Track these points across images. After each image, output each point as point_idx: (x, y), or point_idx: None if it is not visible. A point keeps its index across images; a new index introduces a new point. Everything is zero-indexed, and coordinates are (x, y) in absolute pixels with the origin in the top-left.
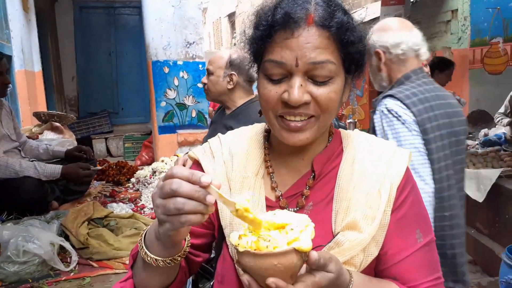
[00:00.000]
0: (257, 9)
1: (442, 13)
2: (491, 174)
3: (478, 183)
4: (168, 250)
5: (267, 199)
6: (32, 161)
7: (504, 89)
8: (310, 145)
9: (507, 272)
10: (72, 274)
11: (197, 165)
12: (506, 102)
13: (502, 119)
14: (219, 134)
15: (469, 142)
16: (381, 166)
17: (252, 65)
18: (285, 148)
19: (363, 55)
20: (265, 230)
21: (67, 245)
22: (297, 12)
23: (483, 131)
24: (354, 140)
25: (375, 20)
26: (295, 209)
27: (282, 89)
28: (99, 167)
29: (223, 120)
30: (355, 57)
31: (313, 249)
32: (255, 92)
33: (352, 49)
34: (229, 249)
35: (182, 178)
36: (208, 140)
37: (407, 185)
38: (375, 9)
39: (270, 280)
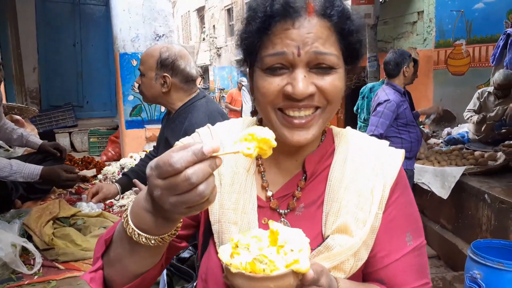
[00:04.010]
0: (250, 1)
1: (409, 14)
2: (455, 172)
3: (442, 180)
4: (168, 228)
5: (258, 198)
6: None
7: (466, 90)
8: (307, 146)
9: (472, 267)
10: (36, 277)
11: None
12: (475, 99)
13: (471, 116)
14: (208, 125)
15: (434, 140)
16: (374, 166)
17: (246, 62)
18: (278, 146)
19: (362, 45)
20: (259, 241)
21: (30, 246)
22: (297, 1)
23: (447, 129)
24: (346, 138)
25: None
26: (285, 211)
27: (284, 82)
28: (89, 173)
29: (164, 127)
30: (355, 47)
31: None
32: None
33: (352, 39)
34: (216, 247)
35: (190, 165)
36: (197, 130)
37: (399, 185)
38: None
39: None
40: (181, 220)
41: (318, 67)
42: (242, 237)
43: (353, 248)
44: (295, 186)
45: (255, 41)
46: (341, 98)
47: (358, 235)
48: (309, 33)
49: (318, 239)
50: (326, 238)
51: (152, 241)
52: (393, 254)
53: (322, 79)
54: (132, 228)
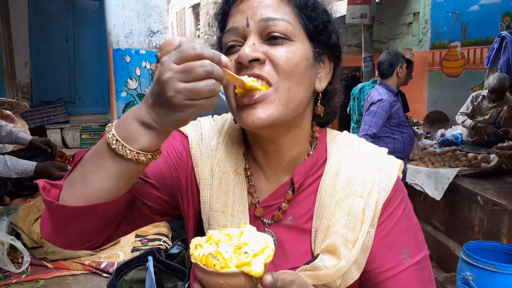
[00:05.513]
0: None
1: (405, 15)
2: (448, 173)
3: (436, 182)
4: (149, 140)
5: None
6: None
7: (460, 91)
8: (284, 145)
9: (464, 269)
10: (24, 276)
11: (182, 136)
12: (468, 102)
13: (464, 120)
14: (209, 116)
15: (427, 141)
16: (368, 179)
17: None
18: (259, 147)
19: (328, 23)
20: (229, 240)
21: (18, 244)
22: None
23: (440, 131)
24: (339, 147)
25: (340, 18)
26: (270, 221)
27: (236, 55)
28: None
29: None
30: (318, 24)
31: (291, 269)
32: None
33: (311, 14)
34: None
35: (210, 59)
36: (198, 118)
37: (394, 199)
38: (341, 7)
39: None
40: (161, 152)
41: (271, 37)
42: (217, 233)
43: (339, 272)
44: (283, 197)
45: (220, 35)
46: (308, 88)
47: (346, 257)
48: (258, 3)
49: (307, 256)
50: (316, 257)
51: (128, 151)
52: (389, 271)
53: (274, 49)
54: (113, 134)
